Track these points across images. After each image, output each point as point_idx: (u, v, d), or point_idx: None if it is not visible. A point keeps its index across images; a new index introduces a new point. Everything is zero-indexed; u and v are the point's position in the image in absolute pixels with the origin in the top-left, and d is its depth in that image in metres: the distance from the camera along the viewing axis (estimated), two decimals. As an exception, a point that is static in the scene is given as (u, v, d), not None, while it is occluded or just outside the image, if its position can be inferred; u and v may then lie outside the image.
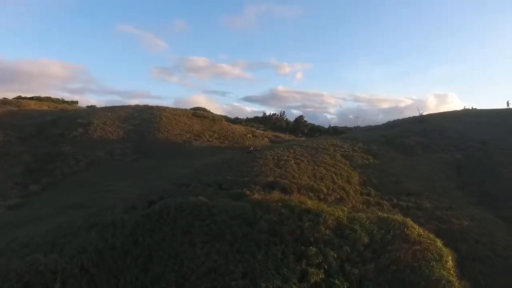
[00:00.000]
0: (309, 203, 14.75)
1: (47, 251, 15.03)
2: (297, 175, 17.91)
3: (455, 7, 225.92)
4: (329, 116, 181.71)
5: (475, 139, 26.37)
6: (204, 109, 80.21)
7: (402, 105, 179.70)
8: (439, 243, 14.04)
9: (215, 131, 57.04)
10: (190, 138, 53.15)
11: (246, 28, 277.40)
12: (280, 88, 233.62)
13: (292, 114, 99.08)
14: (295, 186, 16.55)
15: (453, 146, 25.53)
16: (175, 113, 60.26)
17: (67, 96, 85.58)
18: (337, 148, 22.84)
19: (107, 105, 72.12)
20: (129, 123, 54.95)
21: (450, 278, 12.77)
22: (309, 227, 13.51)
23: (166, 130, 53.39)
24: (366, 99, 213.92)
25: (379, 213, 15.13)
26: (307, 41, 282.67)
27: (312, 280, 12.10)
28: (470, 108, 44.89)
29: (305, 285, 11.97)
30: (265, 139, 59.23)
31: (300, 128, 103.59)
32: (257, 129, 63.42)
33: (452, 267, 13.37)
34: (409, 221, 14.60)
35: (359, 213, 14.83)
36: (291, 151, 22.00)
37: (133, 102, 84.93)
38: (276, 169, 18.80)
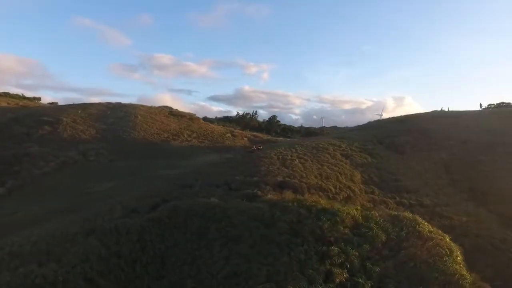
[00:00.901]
0: (324, 203, 14.67)
1: (42, 261, 13.63)
2: (304, 175, 17.82)
3: (409, 13, 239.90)
4: (294, 117, 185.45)
5: (456, 139, 27.97)
6: (171, 108, 78.09)
7: (363, 106, 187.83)
8: (447, 238, 14.54)
9: (194, 130, 55.77)
10: (168, 137, 51.49)
11: (215, 26, 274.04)
12: (247, 88, 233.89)
13: (259, 114, 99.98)
14: (305, 186, 16.42)
15: (437, 145, 26.87)
16: (151, 112, 58.04)
17: (21, 93, 78.87)
18: (336, 148, 23.10)
19: (67, 103, 67.45)
20: (102, 121, 52.03)
21: (462, 272, 13.24)
22: (328, 226, 13.42)
23: (142, 129, 51.26)
24: (329, 100, 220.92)
25: (390, 211, 15.41)
26: (274, 41, 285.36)
27: (337, 280, 11.97)
28: (447, 109, 47.83)
29: (330, 285, 11.80)
30: (244, 138, 58.94)
31: (273, 128, 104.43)
32: (234, 129, 62.87)
33: (462, 261, 13.89)
34: (418, 218, 14.99)
35: (372, 211, 14.99)
36: (293, 150, 21.88)
37: (94, 100, 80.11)
38: (283, 168, 18.55)
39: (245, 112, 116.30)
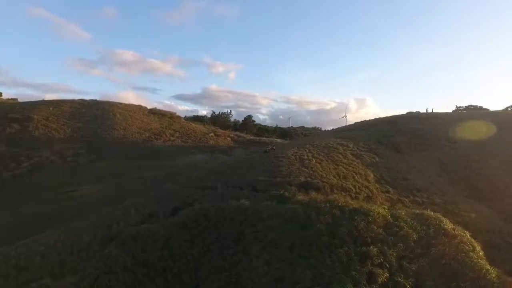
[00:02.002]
0: (353, 203, 14.59)
1: (56, 273, 12.30)
2: (324, 175, 17.66)
3: (371, 17, 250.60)
4: (261, 117, 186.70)
5: (445, 139, 29.38)
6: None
7: (328, 107, 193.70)
8: (468, 235, 15.03)
9: (176, 129, 53.95)
10: (150, 137, 49.39)
11: (182, 24, 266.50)
12: (213, 87, 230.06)
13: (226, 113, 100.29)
14: (327, 186, 16.27)
15: (430, 145, 28.02)
16: (129, 110, 55.33)
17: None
18: (346, 148, 23.23)
19: (23, 100, 62.05)
20: (77, 119, 48.67)
21: (487, 266, 13.76)
22: (364, 227, 13.32)
23: (122, 128, 48.69)
24: (296, 101, 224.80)
25: (414, 210, 15.68)
26: (242, 41, 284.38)
27: (379, 280, 11.89)
28: (431, 111, 50.28)
29: (374, 286, 11.69)
30: (228, 138, 58.11)
31: (249, 128, 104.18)
32: (216, 128, 61.75)
33: (484, 256, 14.43)
34: (441, 216, 15.38)
35: (398, 210, 15.16)
36: (307, 150, 21.62)
37: (50, 96, 74.88)
38: (303, 169, 18.24)
39: (220, 112, 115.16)
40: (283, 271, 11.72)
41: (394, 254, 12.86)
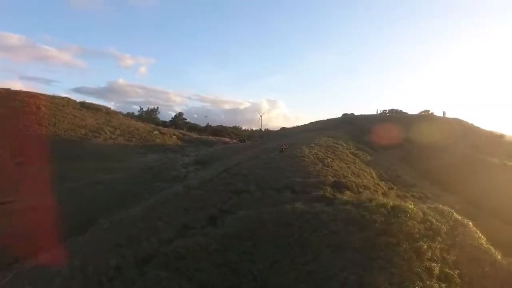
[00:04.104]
0: (390, 201, 15.04)
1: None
2: (344, 173, 17.67)
3: (284, 22, 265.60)
4: (174, 114, 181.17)
5: (401, 138, 32.84)
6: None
7: (242, 107, 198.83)
8: (471, 223, 17.01)
9: (116, 126, 48.10)
10: (87, 134, 42.96)
11: (85, 8, 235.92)
12: (121, 81, 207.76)
13: (134, 109, 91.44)
14: (354, 184, 16.37)
15: (391, 144, 30.89)
16: (56, 102, 46.97)
17: None
18: (342, 147, 23.68)
19: None
20: (-14, 112, 39.05)
21: (493, 250, 15.80)
22: (410, 223, 13.83)
23: (51, 123, 41.13)
24: (210, 99, 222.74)
25: (428, 204, 16.96)
26: (156, 35, 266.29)
27: (435, 274, 12.50)
28: (381, 112, 55.24)
29: (433, 280, 12.25)
30: (173, 137, 54.44)
31: (180, 126, 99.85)
32: (163, 127, 57.32)
33: (486, 241, 16.53)
34: (450, 208, 17.02)
35: (421, 205, 16.20)
36: (317, 149, 21.27)
37: None
38: (327, 168, 17.85)
39: (149, 108, 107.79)
40: (361, 275, 11.34)
41: (438, 247, 13.71)
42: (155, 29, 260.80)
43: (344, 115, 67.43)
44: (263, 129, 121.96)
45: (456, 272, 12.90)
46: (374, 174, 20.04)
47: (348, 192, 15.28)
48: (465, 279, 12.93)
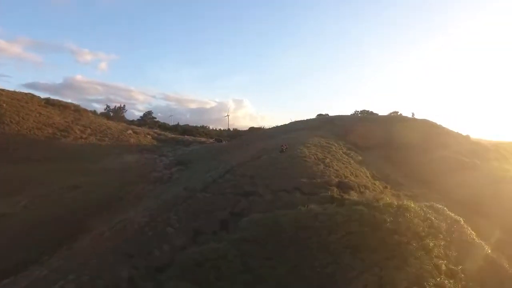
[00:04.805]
0: (393, 200, 15.34)
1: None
2: (345, 173, 17.68)
3: (249, 21, 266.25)
4: (137, 113, 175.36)
5: (381, 138, 33.86)
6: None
7: (208, 106, 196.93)
8: (462, 219, 17.90)
9: (86, 125, 45.20)
10: (55, 133, 39.96)
11: (45, 0, 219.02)
12: (79, 77, 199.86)
13: (93, 108, 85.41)
14: (356, 184, 16.49)
15: (372, 144, 31.79)
16: (18, 98, 43.12)
17: None
18: (335, 147, 23.77)
19: None
20: None
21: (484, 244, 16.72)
22: (416, 222, 14.18)
23: (14, 121, 37.76)
24: (175, 98, 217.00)
25: (424, 203, 17.54)
26: (117, 30, 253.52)
27: (442, 271, 12.93)
28: (359, 113, 56.61)
29: (443, 276, 12.66)
30: (148, 136, 52.28)
31: (148, 124, 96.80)
32: (137, 126, 54.84)
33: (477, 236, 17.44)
34: (443, 206, 17.77)
35: (419, 204, 16.72)
36: (314, 149, 21.11)
37: None
38: (329, 168, 17.70)
39: (116, 106, 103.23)
40: (380, 276, 11.39)
41: (442, 244, 14.20)
42: (117, 23, 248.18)
43: (319, 115, 68.89)
44: (231, 129, 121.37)
45: (459, 268, 13.44)
46: (368, 173, 20.44)
47: (353, 192, 15.40)
48: (467, 274, 13.52)
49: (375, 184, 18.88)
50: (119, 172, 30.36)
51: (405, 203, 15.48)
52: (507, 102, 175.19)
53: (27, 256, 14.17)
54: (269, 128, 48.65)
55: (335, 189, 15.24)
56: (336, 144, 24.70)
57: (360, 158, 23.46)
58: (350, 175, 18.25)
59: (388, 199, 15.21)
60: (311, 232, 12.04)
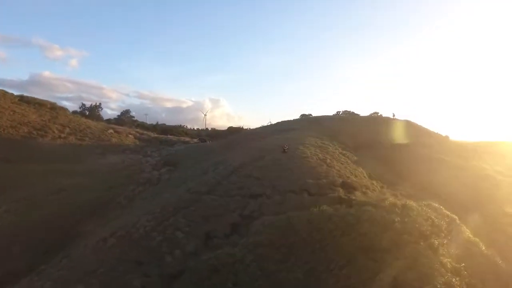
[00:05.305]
0: (396, 200, 15.52)
1: None
2: (346, 174, 17.68)
3: (225, 20, 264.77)
4: (110, 112, 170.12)
5: (368, 139, 34.52)
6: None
7: (184, 105, 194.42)
8: (457, 217, 18.45)
9: (64, 124, 43.09)
10: (32, 132, 37.81)
11: None
12: (47, 74, 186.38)
13: (64, 106, 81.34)
14: (358, 185, 16.53)
15: (360, 145, 32.24)
16: (-11, 96, 40.31)
17: None
18: (332, 147, 23.82)
19: None
20: None
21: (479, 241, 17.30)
22: (419, 221, 14.42)
23: (-14, 120, 35.13)
24: (150, 97, 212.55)
25: (422, 202, 17.93)
26: (89, 26, 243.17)
27: (449, 268, 13.22)
28: (343, 114, 57.23)
29: (449, 274, 12.94)
30: (130, 136, 50.60)
31: (126, 123, 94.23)
32: (118, 126, 52.88)
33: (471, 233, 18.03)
34: (439, 205, 18.24)
35: (418, 203, 17.05)
36: (313, 149, 20.93)
37: None
38: (331, 169, 17.55)
39: (92, 104, 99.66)
40: (394, 276, 11.41)
41: (444, 242, 14.52)
42: (89, 19, 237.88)
43: (303, 115, 69.46)
44: (209, 128, 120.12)
45: (462, 265, 13.79)
46: (365, 173, 20.67)
47: (357, 193, 15.46)
48: (469, 272, 13.91)
49: (373, 184, 19.09)
50: (105, 173, 29.10)
51: (408, 202, 15.73)
52: (482, 103, 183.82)
53: (16, 266, 13.12)
54: (256, 128, 48.48)
55: (341, 190, 15.24)
56: (331, 145, 24.83)
57: (355, 158, 23.70)
58: (351, 175, 18.35)
59: (391, 199, 15.40)
60: (324, 234, 11.91)
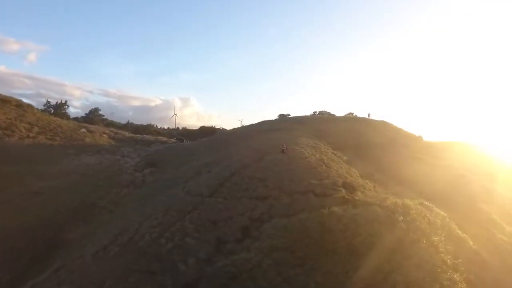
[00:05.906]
0: (397, 200, 15.79)
1: None
2: (344, 174, 17.63)
3: (195, 18, 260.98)
4: (73, 110, 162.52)
5: (351, 138, 35.19)
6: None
7: (152, 104, 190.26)
8: (447, 215, 19.16)
9: (32, 123, 40.08)
10: (-4, 132, 34.59)
11: None
12: (3, 68, 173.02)
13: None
14: (357, 185, 16.61)
15: (343, 145, 32.80)
16: None
17: None
18: (323, 147, 23.82)
19: None
20: None
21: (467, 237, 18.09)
22: (419, 220, 14.76)
23: None
24: (116, 95, 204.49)
25: (418, 201, 18.45)
26: (49, 18, 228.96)
27: (450, 266, 13.65)
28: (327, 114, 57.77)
29: (450, 270, 13.34)
30: (104, 135, 48.14)
31: (95, 123, 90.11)
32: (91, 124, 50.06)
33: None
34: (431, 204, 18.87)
35: (414, 201, 17.50)
36: (309, 150, 20.64)
37: None
38: (331, 169, 17.38)
39: (57, 102, 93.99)
40: (405, 275, 11.53)
41: (442, 239, 14.97)
42: (50, 11, 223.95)
43: (281, 115, 69.86)
44: (179, 128, 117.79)
45: (459, 261, 14.30)
46: (357, 173, 20.96)
47: (358, 193, 15.56)
48: (465, 267, 14.47)
49: (367, 183, 19.37)
50: (82, 175, 27.37)
51: (406, 202, 16.08)
52: (450, 104, 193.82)
53: (1, 278, 11.82)
54: (237, 128, 47.94)
55: (343, 190, 15.25)
56: (322, 145, 24.98)
57: (345, 158, 23.99)
58: (347, 175, 18.49)
59: (391, 198, 15.65)
60: (336, 235, 11.81)
